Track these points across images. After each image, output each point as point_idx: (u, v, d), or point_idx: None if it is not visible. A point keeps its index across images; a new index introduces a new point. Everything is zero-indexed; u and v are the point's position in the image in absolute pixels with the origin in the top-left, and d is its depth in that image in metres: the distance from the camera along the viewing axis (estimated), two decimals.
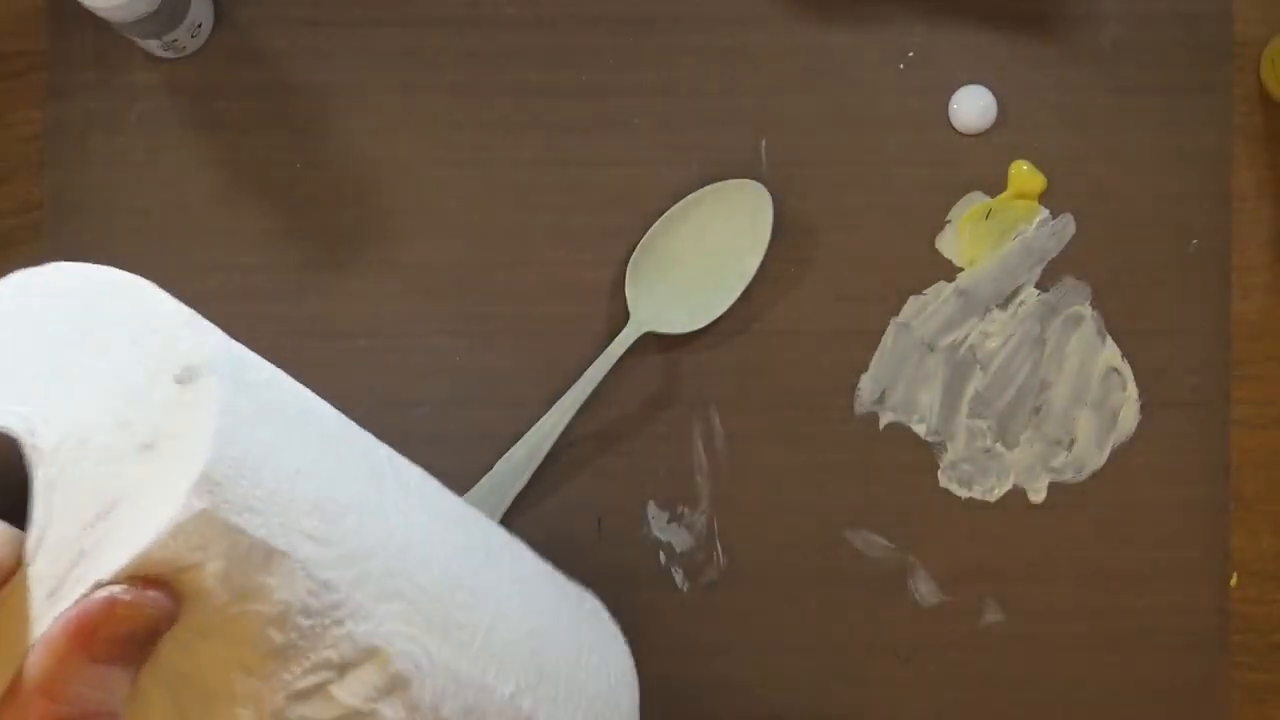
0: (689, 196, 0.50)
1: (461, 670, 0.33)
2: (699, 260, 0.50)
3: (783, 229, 0.50)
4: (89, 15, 0.46)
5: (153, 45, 0.49)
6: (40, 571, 0.26)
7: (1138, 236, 0.51)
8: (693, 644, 0.50)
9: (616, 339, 0.49)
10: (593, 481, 0.50)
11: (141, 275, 0.51)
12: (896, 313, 0.51)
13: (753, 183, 0.50)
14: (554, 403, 0.49)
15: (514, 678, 0.35)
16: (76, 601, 0.25)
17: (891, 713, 0.50)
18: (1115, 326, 0.50)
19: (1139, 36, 0.51)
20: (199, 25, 0.50)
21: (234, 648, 0.27)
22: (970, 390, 0.50)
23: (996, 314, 0.51)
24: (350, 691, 0.29)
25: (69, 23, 0.51)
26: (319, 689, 0.28)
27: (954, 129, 0.51)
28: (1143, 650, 0.50)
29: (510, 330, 0.50)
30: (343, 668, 0.29)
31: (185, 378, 0.27)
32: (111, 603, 0.25)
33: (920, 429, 0.50)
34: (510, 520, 0.50)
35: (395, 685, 0.30)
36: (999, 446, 0.50)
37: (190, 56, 0.51)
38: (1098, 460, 0.50)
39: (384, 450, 0.35)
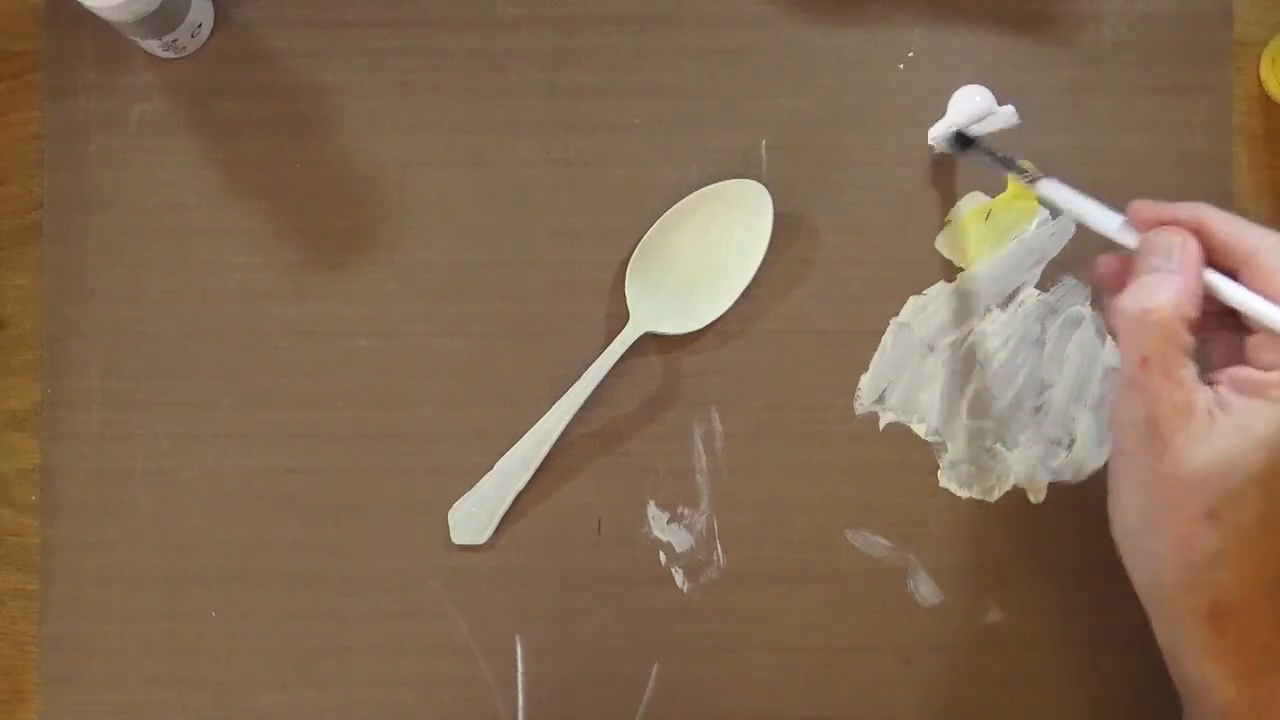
0: (689, 196, 0.50)
1: None
2: (699, 260, 0.50)
3: (783, 229, 0.50)
4: (89, 15, 0.46)
5: (153, 45, 0.49)
6: None
7: None
8: (693, 644, 0.50)
9: (616, 339, 0.49)
10: (593, 481, 0.50)
11: (142, 275, 0.51)
12: (896, 313, 0.51)
13: (753, 183, 0.50)
14: (554, 403, 0.49)
15: None
16: None
17: (891, 713, 0.50)
18: None
19: (1139, 36, 0.51)
20: (199, 25, 0.50)
21: None
22: (970, 390, 0.50)
23: (996, 314, 0.51)
24: None
25: (69, 23, 0.51)
26: None
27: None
28: (1143, 650, 0.50)
29: (510, 330, 0.50)
30: None
31: None
32: None
33: (920, 429, 0.50)
34: (510, 520, 0.50)
35: None
36: (999, 446, 0.50)
37: (190, 56, 0.51)
38: (1098, 460, 0.50)
39: None
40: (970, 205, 0.51)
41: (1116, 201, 0.50)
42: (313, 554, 0.50)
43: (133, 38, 0.49)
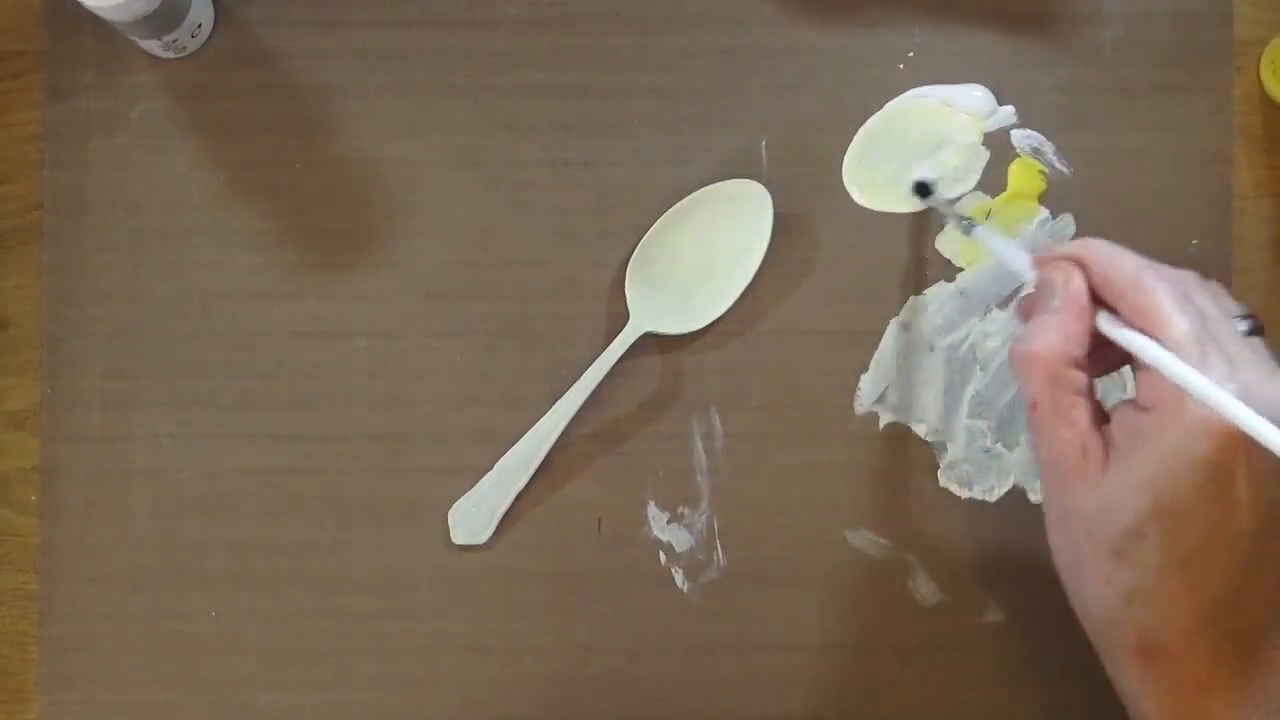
0: (689, 196, 0.50)
1: None
2: (699, 260, 0.50)
3: (783, 229, 0.50)
4: (89, 15, 0.46)
5: (153, 45, 0.49)
6: None
7: (1138, 236, 0.50)
8: (693, 644, 0.50)
9: (616, 339, 0.49)
10: (593, 481, 0.50)
11: (142, 275, 0.51)
12: (896, 313, 0.51)
13: (753, 183, 0.50)
14: (554, 403, 0.49)
15: None
16: None
17: (891, 713, 0.50)
18: None
19: (1139, 36, 0.51)
20: (199, 25, 0.50)
21: None
22: (970, 390, 0.50)
23: (996, 314, 0.51)
24: None
25: (69, 23, 0.51)
26: None
27: None
28: None
29: (510, 330, 0.50)
30: None
31: None
32: None
33: (920, 429, 0.50)
34: (510, 520, 0.50)
35: None
36: (999, 446, 0.50)
37: (190, 56, 0.51)
38: None
39: None
40: (970, 205, 0.51)
41: (1114, 203, 0.51)
42: (313, 554, 0.50)
43: (133, 38, 0.49)
